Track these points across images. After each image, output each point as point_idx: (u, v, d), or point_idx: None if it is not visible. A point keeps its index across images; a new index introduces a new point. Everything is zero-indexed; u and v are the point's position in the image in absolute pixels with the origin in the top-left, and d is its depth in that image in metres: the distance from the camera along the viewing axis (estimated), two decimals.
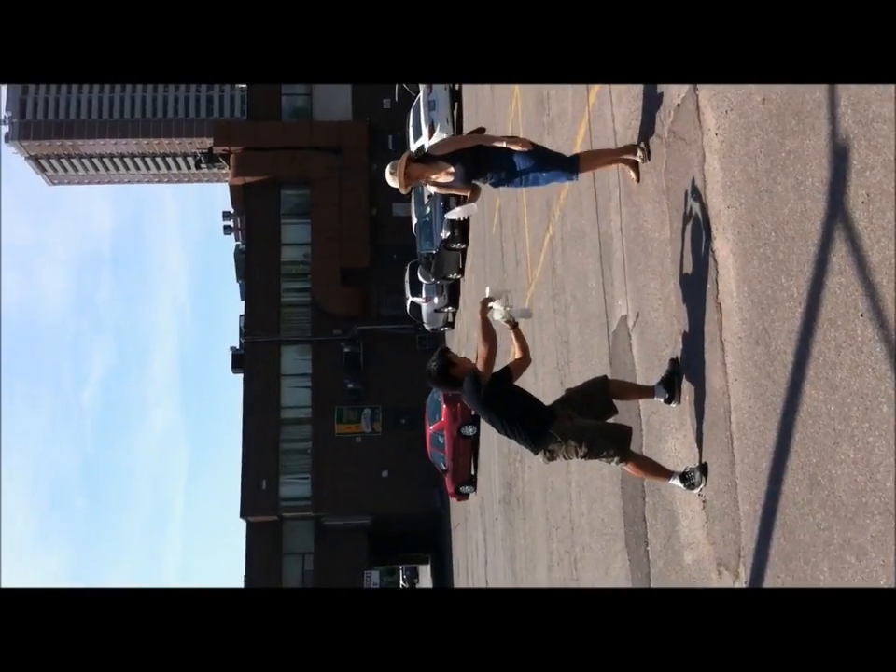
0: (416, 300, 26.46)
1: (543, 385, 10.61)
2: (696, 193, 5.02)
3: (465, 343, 22.50)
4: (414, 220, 24.99)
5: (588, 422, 5.27)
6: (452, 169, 5.80)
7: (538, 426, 5.22)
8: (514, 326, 5.57)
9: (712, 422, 4.87)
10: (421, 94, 22.79)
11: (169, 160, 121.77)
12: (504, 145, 5.72)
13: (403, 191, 6.02)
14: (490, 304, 5.47)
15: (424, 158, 5.91)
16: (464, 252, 21.58)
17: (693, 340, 5.13)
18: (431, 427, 21.19)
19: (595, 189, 7.47)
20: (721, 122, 4.64)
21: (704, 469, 5.00)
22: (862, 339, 3.20)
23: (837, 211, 3.39)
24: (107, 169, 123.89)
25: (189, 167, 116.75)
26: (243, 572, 33.14)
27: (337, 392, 33.26)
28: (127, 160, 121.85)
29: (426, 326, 27.88)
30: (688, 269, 5.19)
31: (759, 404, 4.21)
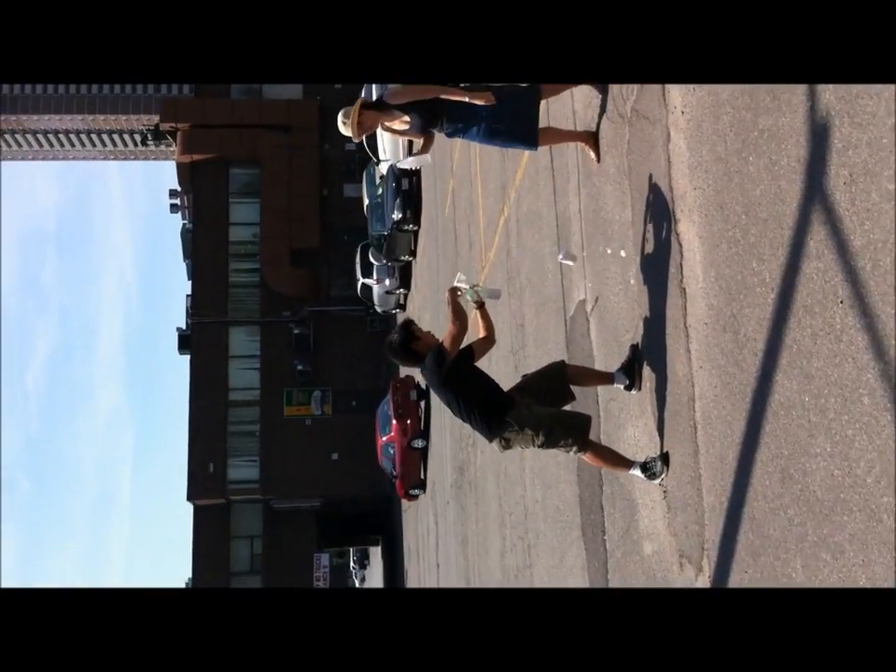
0: (367, 281, 26.12)
1: (497, 368, 10.43)
2: (660, 174, 4.85)
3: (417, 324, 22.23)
4: (366, 201, 24.61)
5: (545, 410, 5.09)
6: (406, 118, 5.55)
7: (494, 412, 5.04)
8: (481, 305, 5.39)
9: (675, 410, 4.72)
10: None
11: (115, 136, 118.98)
12: (466, 100, 5.47)
13: (356, 140, 5.80)
14: (458, 284, 5.27)
15: (378, 105, 5.63)
16: (416, 234, 21.32)
17: (655, 325, 4.98)
18: (382, 439, 21.24)
19: (553, 171, 7.28)
20: (688, 100, 4.47)
21: (665, 458, 4.86)
22: (842, 327, 3.05)
23: (816, 192, 3.23)
24: (52, 145, 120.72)
25: (136, 144, 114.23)
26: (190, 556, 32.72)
27: (286, 374, 32.83)
28: (73, 136, 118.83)
29: (377, 308, 27.57)
30: (650, 252, 5.02)
31: (726, 393, 4.07)
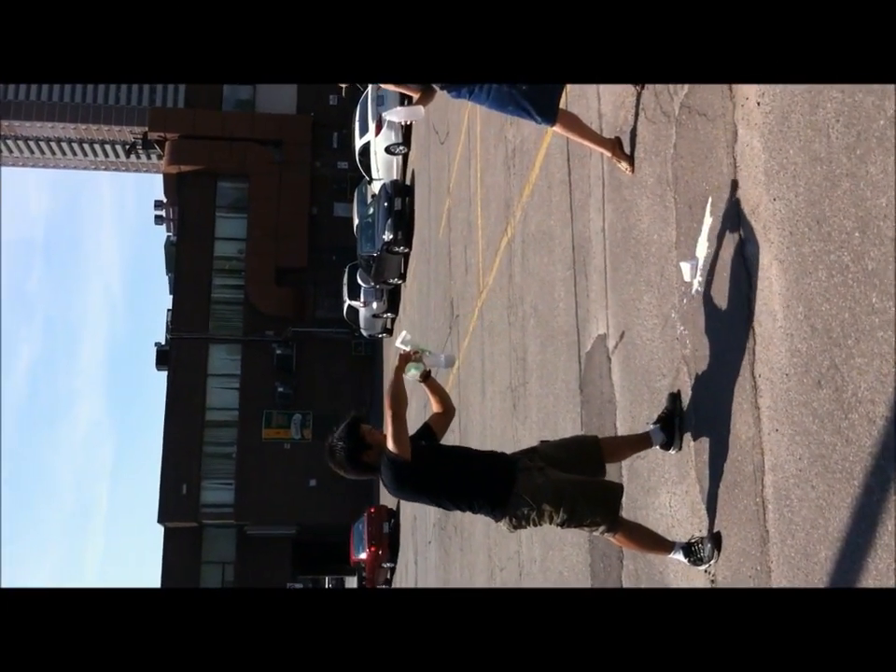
0: (354, 303, 25.16)
1: (492, 406, 9.43)
2: (721, 183, 3.88)
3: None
4: (356, 221, 23.70)
5: (565, 477, 4.03)
6: None
7: (497, 488, 3.97)
8: (426, 377, 4.30)
9: (733, 482, 3.71)
10: (369, 89, 21.52)
11: (107, 147, 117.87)
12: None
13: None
14: (400, 345, 4.29)
15: None
16: (407, 256, 20.36)
17: (708, 372, 3.98)
18: (358, 556, 23.76)
19: (570, 184, 6.30)
20: (768, 87, 3.50)
21: (716, 540, 3.85)
22: None
23: None
24: (43, 153, 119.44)
25: (127, 155, 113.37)
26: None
27: (266, 395, 31.76)
28: (64, 144, 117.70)
29: (363, 331, 26.59)
30: (703, 281, 4.04)
31: (817, 469, 3.06)
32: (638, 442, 4.43)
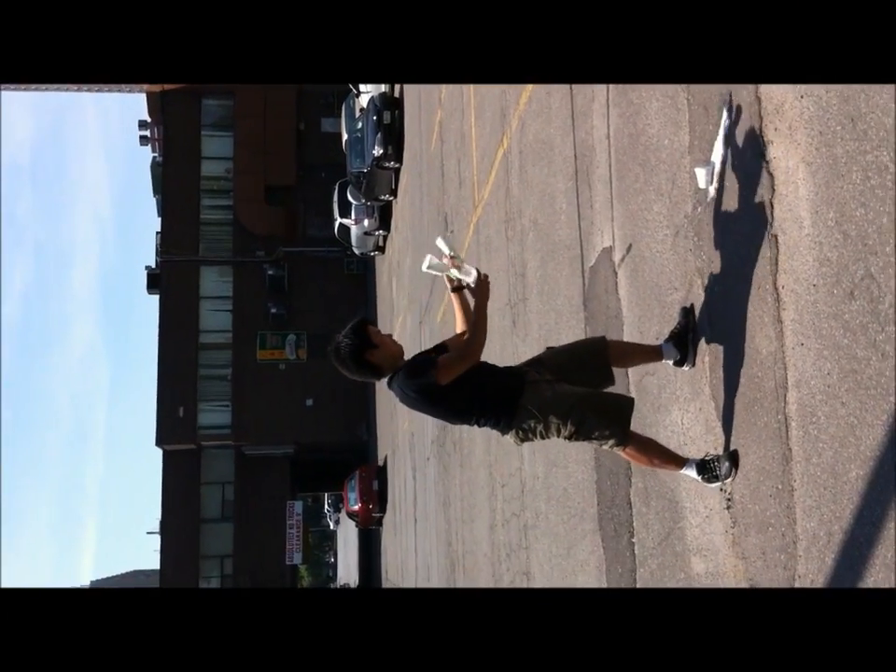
0: (345, 221, 24.72)
1: (490, 323, 9.24)
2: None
3: (396, 270, 21.03)
4: (345, 136, 23.05)
5: (574, 389, 3.87)
6: None
7: (505, 401, 3.80)
8: (458, 289, 4.00)
9: (752, 398, 3.55)
10: None
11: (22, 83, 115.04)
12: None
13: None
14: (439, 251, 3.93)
15: None
16: (398, 171, 19.91)
17: (724, 284, 3.78)
18: (351, 507, 27.38)
19: (572, 87, 6.00)
20: None
21: (733, 457, 3.71)
22: None
23: None
24: None
25: None
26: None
27: (259, 316, 31.53)
28: None
29: (354, 249, 26.22)
30: (721, 188, 3.81)
31: (848, 385, 2.89)
32: (650, 353, 4.25)
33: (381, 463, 26.09)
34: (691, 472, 3.90)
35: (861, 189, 2.79)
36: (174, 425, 31.11)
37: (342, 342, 3.79)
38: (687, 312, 4.14)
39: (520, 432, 3.83)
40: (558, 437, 3.84)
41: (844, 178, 2.89)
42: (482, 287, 3.88)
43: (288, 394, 31.03)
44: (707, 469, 3.82)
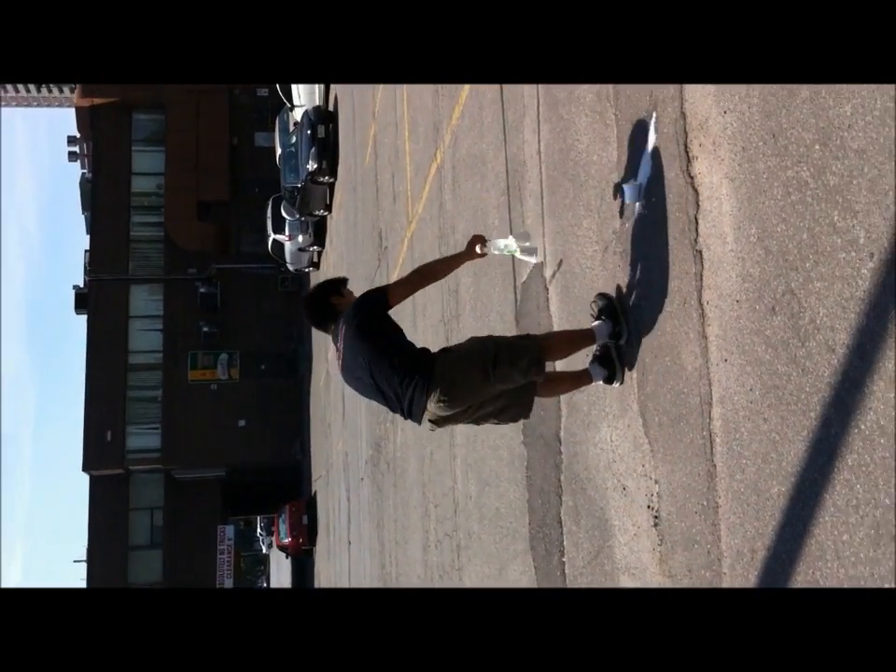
0: (279, 237, 24.45)
1: (424, 339, 9.18)
2: (665, 96, 3.62)
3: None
4: (278, 151, 22.86)
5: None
6: None
7: (423, 362, 3.88)
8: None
9: (678, 414, 3.54)
10: None
11: (19, 83, 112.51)
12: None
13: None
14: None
15: None
16: (332, 186, 19.79)
17: (649, 300, 3.77)
18: (282, 541, 28.37)
19: (503, 102, 5.99)
20: None
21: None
22: None
23: None
24: None
25: (39, 90, 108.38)
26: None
27: (191, 336, 30.99)
28: None
29: (289, 266, 25.92)
30: (648, 204, 3.80)
31: (770, 401, 2.88)
32: (579, 378, 4.24)
33: (314, 484, 26.11)
34: (597, 376, 4.13)
35: (783, 205, 2.80)
36: (101, 449, 30.34)
37: (313, 288, 4.31)
38: (616, 330, 4.10)
39: (441, 387, 3.76)
40: (481, 379, 3.80)
41: (766, 194, 2.89)
42: (474, 254, 4.20)
43: (220, 415, 30.51)
44: (608, 360, 4.08)
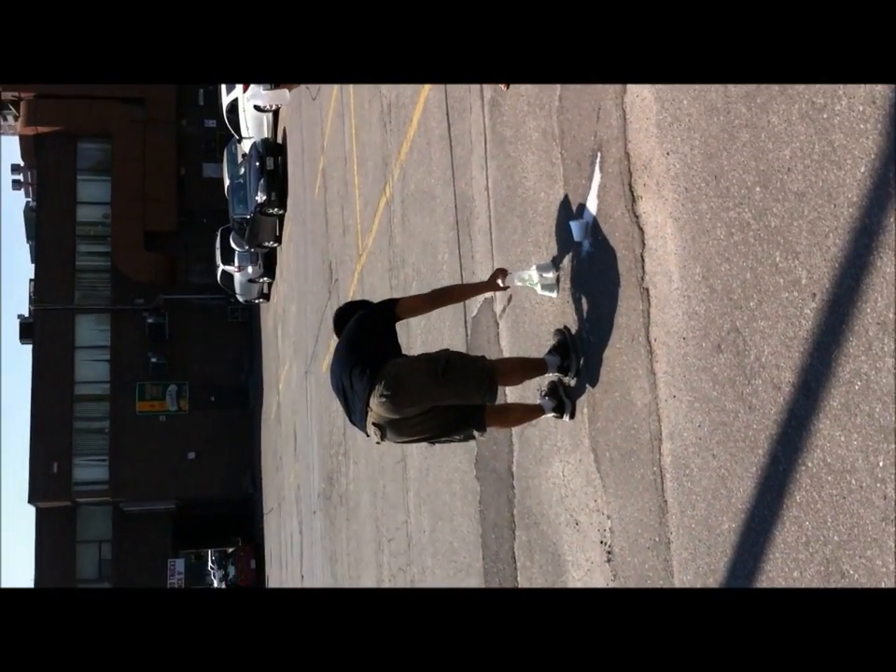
0: (228, 268, 24.30)
1: None
2: (610, 137, 3.68)
3: (282, 317, 20.73)
4: (227, 182, 22.77)
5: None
6: None
7: (379, 357, 3.94)
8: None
9: (628, 450, 3.56)
10: None
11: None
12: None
13: None
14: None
15: None
16: (281, 218, 19.73)
17: (601, 336, 3.81)
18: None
19: (451, 139, 6.03)
20: None
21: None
22: None
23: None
24: None
25: None
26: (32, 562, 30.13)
27: (139, 366, 30.58)
28: None
29: (238, 297, 25.77)
30: (594, 242, 3.85)
31: (719, 437, 2.92)
32: (532, 410, 4.26)
33: (266, 517, 26.01)
34: (547, 403, 4.15)
35: (726, 245, 2.85)
36: (47, 481, 29.76)
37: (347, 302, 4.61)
38: (563, 366, 4.13)
39: (384, 382, 3.75)
40: (428, 380, 3.82)
41: (709, 234, 2.94)
42: (496, 286, 4.30)
43: (169, 447, 30.10)
44: (561, 409, 4.11)
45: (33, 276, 32.51)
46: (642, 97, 3.41)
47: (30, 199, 36.19)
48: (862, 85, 2.29)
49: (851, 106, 2.33)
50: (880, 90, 2.24)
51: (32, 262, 33.17)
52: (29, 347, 31.66)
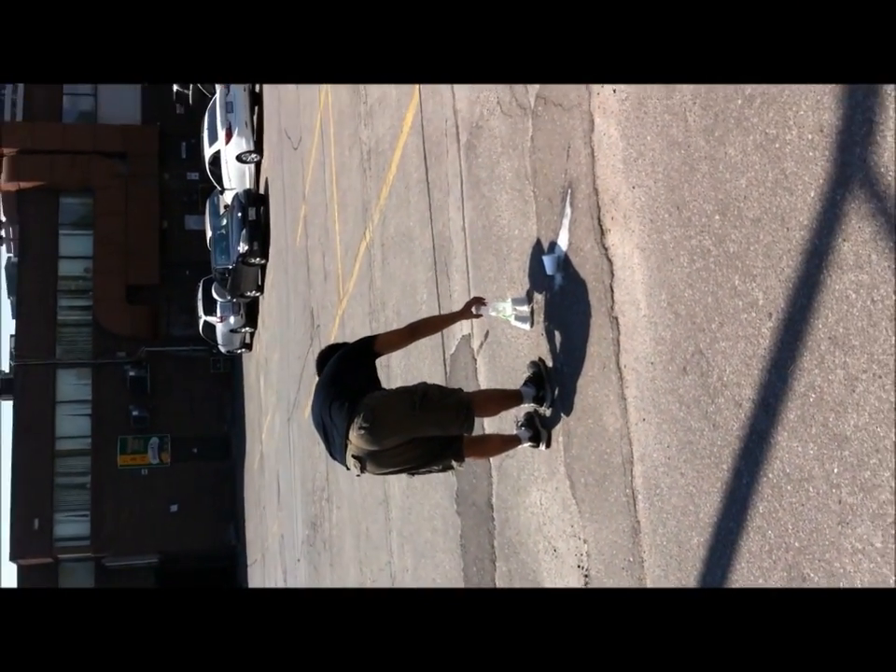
0: (210, 319, 24.36)
1: None
2: (579, 174, 3.84)
3: (264, 366, 20.77)
4: (209, 233, 22.93)
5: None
6: None
7: (357, 392, 4.04)
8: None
9: (602, 474, 3.67)
10: (217, 95, 20.86)
11: None
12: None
13: None
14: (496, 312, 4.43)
15: None
16: (263, 268, 19.88)
17: (571, 367, 3.93)
18: None
19: (428, 183, 6.21)
20: None
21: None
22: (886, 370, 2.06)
23: (854, 173, 2.26)
24: None
25: None
26: None
27: (120, 420, 30.35)
28: None
29: (221, 348, 25.78)
30: (567, 275, 3.99)
31: (686, 456, 3.04)
32: (508, 441, 4.37)
33: (249, 569, 25.59)
34: (524, 434, 4.27)
35: (689, 272, 3.00)
36: (29, 538, 29.34)
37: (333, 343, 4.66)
38: (539, 397, 4.24)
39: (363, 414, 3.84)
40: (407, 409, 3.92)
41: (673, 262, 3.09)
42: (469, 314, 4.45)
43: (152, 500, 29.79)
44: (533, 424, 4.25)
45: (13, 332, 32.42)
46: (609, 134, 3.58)
47: (11, 254, 36.24)
48: (811, 114, 2.45)
49: (801, 135, 2.49)
50: (827, 118, 2.40)
51: (13, 317, 33.10)
52: (10, 403, 31.43)
